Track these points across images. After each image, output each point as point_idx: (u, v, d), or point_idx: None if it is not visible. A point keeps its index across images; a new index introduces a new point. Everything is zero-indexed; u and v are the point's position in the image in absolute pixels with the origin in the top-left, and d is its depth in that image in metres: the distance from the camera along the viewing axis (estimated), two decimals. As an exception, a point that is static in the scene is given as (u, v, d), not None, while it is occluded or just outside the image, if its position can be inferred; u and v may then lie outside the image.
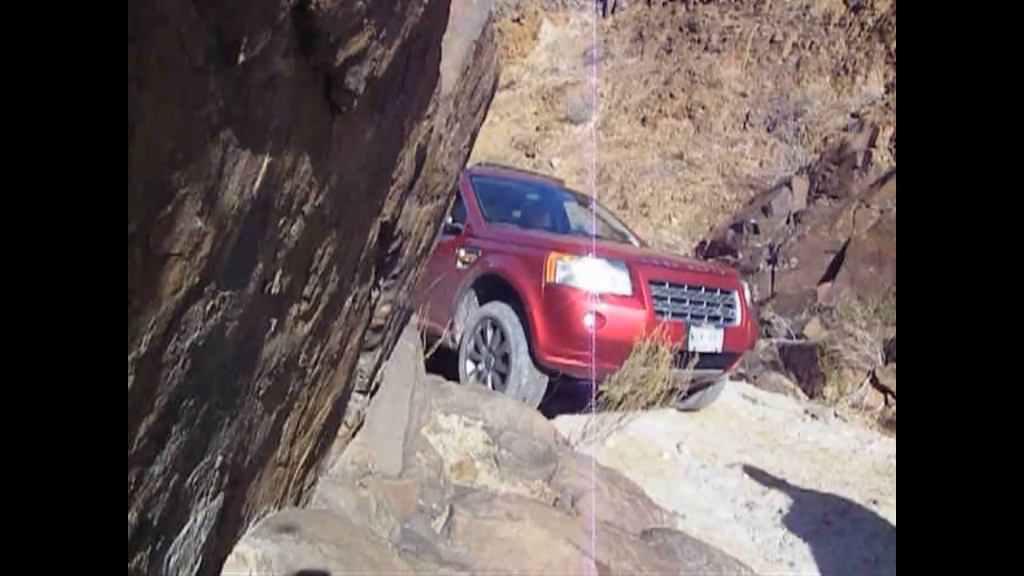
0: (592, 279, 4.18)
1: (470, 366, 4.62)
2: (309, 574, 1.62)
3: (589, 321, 4.06)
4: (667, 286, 4.40)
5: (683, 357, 4.28)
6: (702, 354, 4.38)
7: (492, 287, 4.60)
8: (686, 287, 4.51)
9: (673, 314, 4.35)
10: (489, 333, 4.54)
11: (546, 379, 4.28)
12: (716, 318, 4.60)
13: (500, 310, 4.46)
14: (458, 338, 4.77)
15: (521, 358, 4.25)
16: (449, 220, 4.72)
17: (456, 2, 2.10)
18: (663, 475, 3.84)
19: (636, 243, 5.92)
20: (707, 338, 4.46)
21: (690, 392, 4.78)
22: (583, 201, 6.41)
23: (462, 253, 4.86)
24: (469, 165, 5.29)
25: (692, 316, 4.46)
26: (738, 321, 4.73)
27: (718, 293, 4.67)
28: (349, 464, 2.36)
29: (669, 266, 4.62)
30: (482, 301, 4.71)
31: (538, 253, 4.39)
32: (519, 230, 5.11)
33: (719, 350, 4.54)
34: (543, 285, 4.21)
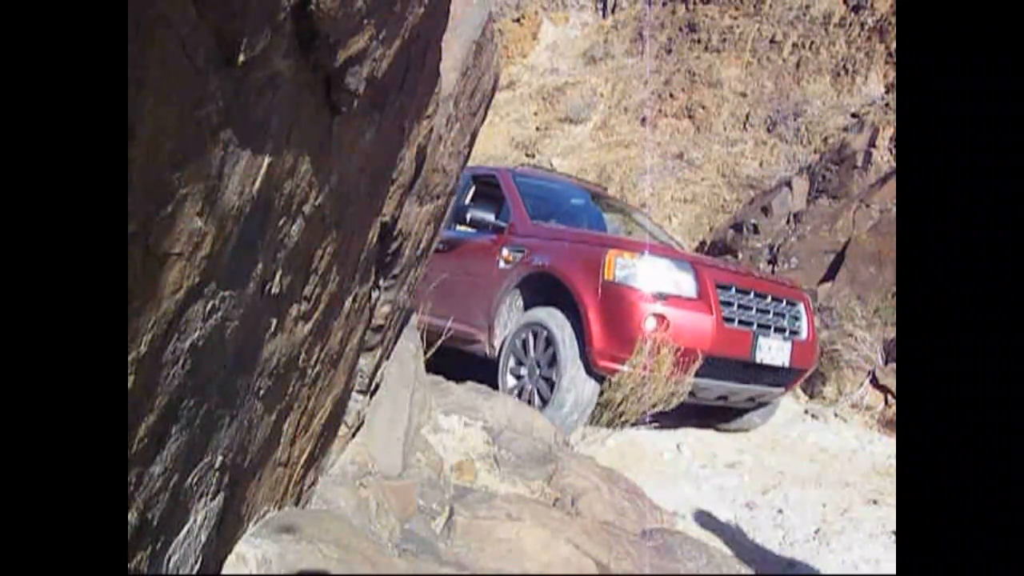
0: (654, 279, 3.85)
1: (511, 380, 4.26)
2: (309, 574, 1.62)
3: (650, 324, 3.73)
4: (734, 291, 4.05)
5: (745, 370, 4.02)
6: (764, 369, 4.09)
7: (540, 286, 4.27)
8: (753, 294, 4.16)
9: (740, 321, 4.02)
10: (534, 341, 4.18)
11: (598, 387, 3.90)
12: (783, 330, 4.25)
13: (548, 313, 4.11)
14: (497, 344, 4.44)
15: (571, 364, 3.87)
16: (491, 218, 4.64)
17: (456, 2, 2.10)
18: (663, 475, 3.84)
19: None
20: (775, 350, 4.11)
21: (738, 411, 4.51)
22: (627, 211, 6.07)
23: (506, 252, 4.52)
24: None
25: (759, 325, 4.12)
26: (804, 335, 4.39)
27: (785, 303, 4.34)
28: (349, 464, 2.35)
29: (736, 270, 4.30)
30: (527, 302, 4.38)
31: (594, 250, 4.06)
32: (568, 227, 4.75)
33: (786, 364, 4.20)
34: (600, 283, 3.86)
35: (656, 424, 3.78)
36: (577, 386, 3.86)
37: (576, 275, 3.99)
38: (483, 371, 4.44)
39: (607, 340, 3.78)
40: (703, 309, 3.87)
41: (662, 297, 3.80)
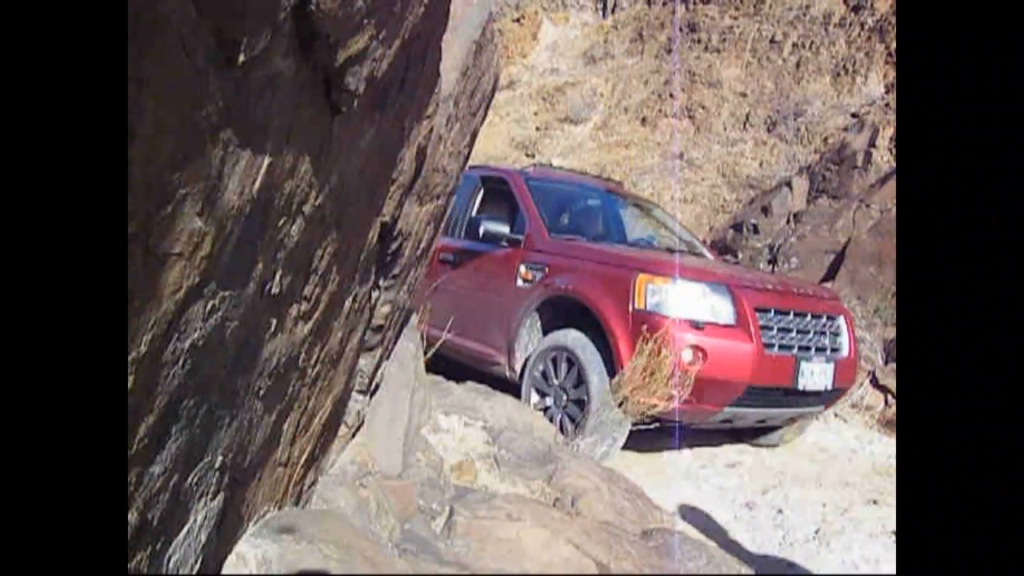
0: (689, 306, 3.56)
1: (535, 398, 4.00)
2: (309, 574, 1.62)
3: (687, 357, 3.46)
4: (772, 314, 3.75)
5: (785, 396, 3.76)
6: (806, 393, 3.82)
7: (561, 311, 3.98)
8: (792, 314, 3.84)
9: (780, 347, 3.73)
10: (560, 366, 3.88)
11: (630, 422, 3.65)
12: (823, 349, 3.95)
13: (575, 340, 3.81)
14: (518, 368, 4.14)
15: (601, 397, 3.59)
16: (505, 231, 4.35)
17: (456, 2, 2.10)
18: (663, 475, 3.84)
19: (708, 254, 5.29)
20: (817, 374, 3.83)
21: (771, 427, 4.29)
22: (646, 207, 5.76)
23: (523, 269, 4.23)
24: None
25: (800, 348, 3.82)
26: (846, 352, 4.10)
27: (824, 320, 4.02)
28: (349, 464, 2.35)
29: (773, 289, 3.93)
30: (547, 327, 4.08)
31: (622, 273, 3.75)
32: (593, 244, 4.43)
33: (829, 387, 3.91)
34: (630, 312, 3.57)
35: (657, 424, 3.70)
36: (609, 422, 3.62)
37: (603, 301, 3.71)
38: (483, 371, 4.43)
39: (640, 374, 3.49)
40: (742, 337, 3.59)
41: (698, 326, 3.53)
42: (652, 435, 3.80)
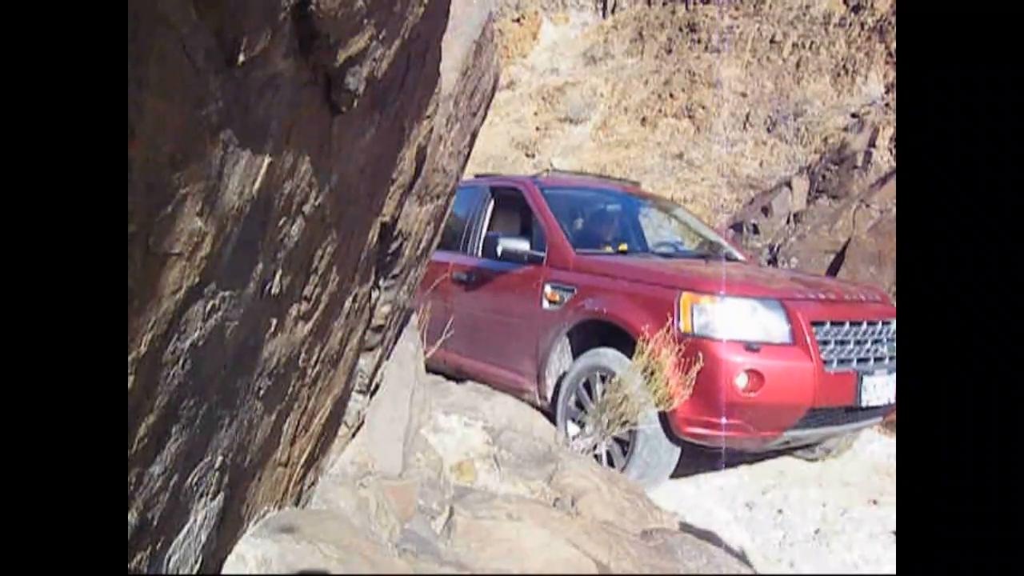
0: (740, 326, 3.25)
1: (574, 429, 3.71)
2: (309, 574, 1.62)
3: (742, 382, 3.17)
4: (829, 326, 3.42)
5: (847, 413, 3.46)
6: (869, 408, 3.51)
7: (595, 336, 3.67)
8: (848, 324, 3.51)
9: (840, 362, 3.41)
10: (595, 389, 3.58)
11: (679, 450, 3.42)
12: (884, 359, 3.61)
13: (613, 359, 3.51)
14: (549, 395, 3.90)
15: (649, 426, 3.34)
16: (525, 248, 4.05)
17: (456, 2, 2.10)
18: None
19: (738, 254, 4.90)
20: (880, 387, 3.50)
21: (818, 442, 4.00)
22: (667, 207, 5.40)
23: (548, 290, 3.91)
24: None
25: (860, 361, 3.50)
26: None
27: (881, 326, 3.66)
28: (349, 464, 2.36)
29: (826, 299, 3.59)
30: (578, 352, 3.78)
31: (663, 292, 3.43)
32: (624, 259, 4.08)
33: (892, 400, 3.57)
34: (676, 336, 3.28)
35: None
36: (658, 455, 3.38)
37: (643, 325, 3.37)
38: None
39: (692, 404, 3.23)
40: (800, 356, 3.27)
41: (753, 348, 3.22)
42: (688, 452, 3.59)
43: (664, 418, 3.31)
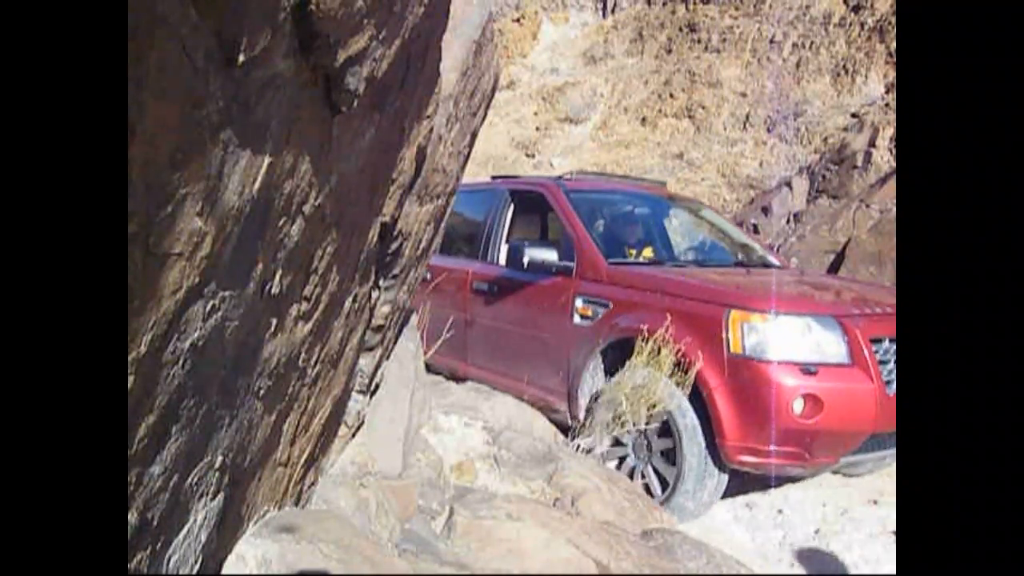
0: (794, 346, 3.01)
1: (610, 454, 3.51)
2: (309, 574, 1.62)
3: (799, 407, 2.93)
4: (887, 343, 3.16)
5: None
6: None
7: (633, 355, 3.40)
8: None
9: None
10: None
11: (726, 478, 3.21)
12: None
13: (658, 382, 3.26)
14: (581, 416, 3.66)
15: (696, 455, 3.12)
16: (553, 257, 3.84)
17: (456, 2, 2.10)
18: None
19: (772, 258, 4.59)
20: None
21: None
22: (694, 208, 5.12)
23: (580, 304, 3.69)
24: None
25: None
26: None
27: None
28: (349, 464, 2.36)
29: (883, 312, 3.32)
30: (609, 368, 3.55)
31: (708, 310, 3.18)
32: (662, 270, 3.79)
33: None
34: (724, 358, 3.06)
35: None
36: (706, 484, 3.16)
37: (690, 346, 3.16)
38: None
39: (744, 431, 3.00)
40: (860, 378, 3.03)
41: (810, 371, 2.98)
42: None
43: (712, 445, 3.11)
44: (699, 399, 3.13)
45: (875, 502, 3.52)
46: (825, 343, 3.05)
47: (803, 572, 2.97)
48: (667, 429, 3.24)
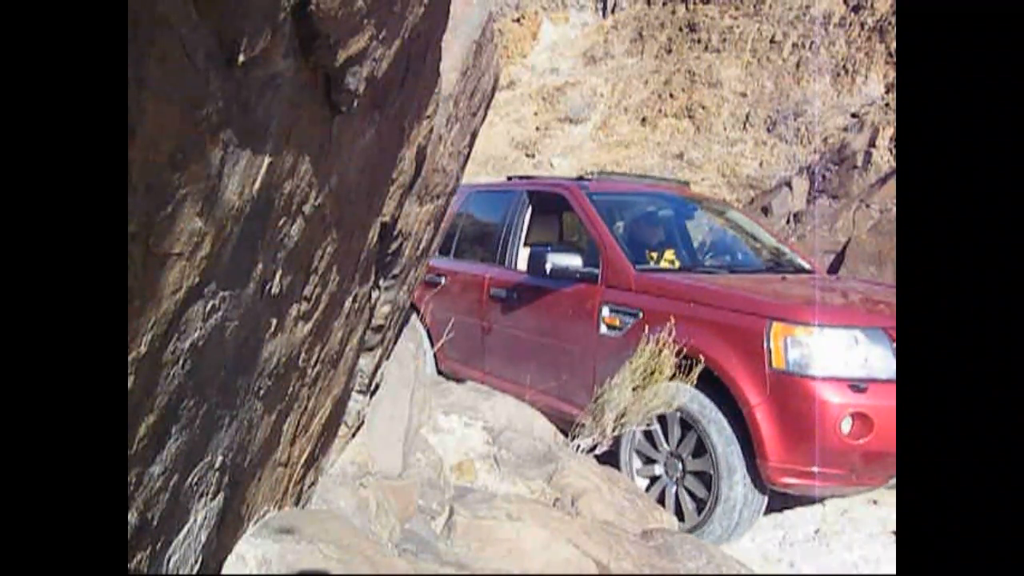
0: (841, 361, 2.83)
1: (641, 480, 3.32)
2: (309, 574, 1.62)
3: (847, 426, 2.76)
4: None
5: None
6: None
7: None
8: None
9: None
10: (672, 429, 3.19)
11: (765, 499, 3.04)
12: None
13: (696, 403, 3.08)
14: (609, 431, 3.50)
15: (735, 477, 2.94)
16: (577, 263, 3.67)
17: (456, 2, 2.10)
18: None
19: (803, 262, 4.36)
20: None
21: None
22: (719, 209, 4.94)
23: (607, 314, 3.51)
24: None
25: None
26: None
27: None
28: (349, 464, 2.36)
29: None
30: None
31: (748, 322, 2.97)
32: (694, 279, 3.56)
33: None
34: (767, 373, 2.87)
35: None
36: (746, 506, 2.99)
37: (729, 361, 2.97)
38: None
39: (787, 451, 2.82)
40: None
41: (859, 388, 2.81)
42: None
43: (753, 466, 2.94)
44: (737, 417, 2.96)
45: (875, 502, 3.52)
46: (873, 357, 2.87)
47: (803, 572, 2.97)
48: (701, 448, 3.06)
